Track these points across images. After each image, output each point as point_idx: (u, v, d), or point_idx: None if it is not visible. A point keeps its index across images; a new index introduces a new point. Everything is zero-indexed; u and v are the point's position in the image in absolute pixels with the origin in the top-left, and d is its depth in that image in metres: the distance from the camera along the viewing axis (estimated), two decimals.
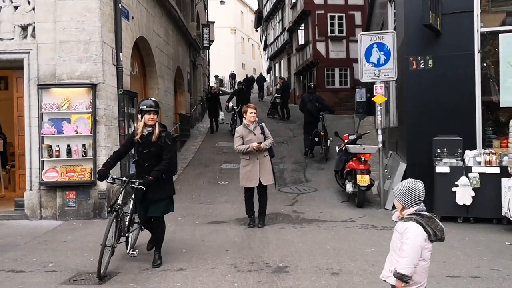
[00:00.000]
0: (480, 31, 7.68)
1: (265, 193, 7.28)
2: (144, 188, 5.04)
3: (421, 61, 7.90)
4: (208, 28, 25.10)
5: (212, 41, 30.42)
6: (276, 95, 23.04)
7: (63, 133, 7.97)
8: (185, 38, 17.17)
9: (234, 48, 51.84)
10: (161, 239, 5.48)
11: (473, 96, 7.66)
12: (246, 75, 36.89)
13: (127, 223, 5.26)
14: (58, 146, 7.97)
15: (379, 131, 8.42)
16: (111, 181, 5.33)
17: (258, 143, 6.96)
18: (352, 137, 9.29)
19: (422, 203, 2.87)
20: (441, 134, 7.52)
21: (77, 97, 8.03)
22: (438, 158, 7.41)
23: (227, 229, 7.04)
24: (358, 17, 24.89)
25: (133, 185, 5.15)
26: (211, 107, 17.90)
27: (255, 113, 7.14)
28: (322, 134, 12.40)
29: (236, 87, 19.37)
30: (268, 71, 42.33)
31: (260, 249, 5.87)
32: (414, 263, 2.78)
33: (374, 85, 8.32)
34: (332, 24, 24.95)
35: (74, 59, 8.07)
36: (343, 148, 9.07)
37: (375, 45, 8.23)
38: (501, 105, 7.69)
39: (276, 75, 36.67)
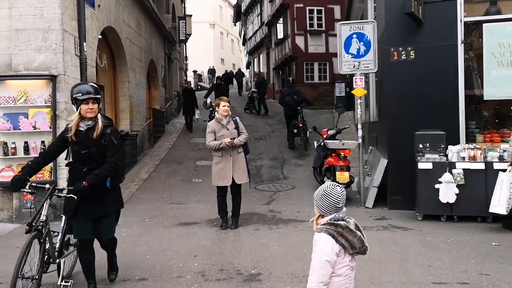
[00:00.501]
0: (463, 21, 7.33)
1: (239, 192, 6.83)
2: (75, 197, 3.81)
3: (403, 52, 7.53)
4: (184, 21, 24.43)
5: (189, 34, 29.78)
6: (253, 89, 22.70)
7: (20, 129, 7.35)
8: (159, 30, 16.54)
9: (213, 43, 51.17)
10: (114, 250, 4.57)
11: (456, 89, 7.32)
12: (226, 70, 36.33)
13: (57, 245, 4.15)
14: (14, 143, 7.36)
15: (359, 126, 8.03)
16: (30, 190, 3.93)
17: (231, 138, 6.50)
18: (331, 132, 8.90)
19: (342, 210, 2.53)
20: (423, 129, 7.17)
21: (35, 90, 7.42)
22: (420, 154, 7.06)
23: (198, 231, 6.55)
24: (337, 11, 24.57)
25: (60, 194, 3.94)
26: (185, 104, 16.77)
27: (228, 106, 6.66)
28: (301, 125, 12.59)
29: (215, 82, 18.05)
30: (248, 66, 41.82)
31: (231, 254, 5.41)
32: (322, 280, 2.42)
33: (354, 78, 7.92)
34: (311, 18, 24.60)
35: (32, 48, 7.44)
36: (322, 144, 8.67)
37: (354, 35, 7.82)
38: (484, 98, 7.37)
39: (255, 70, 36.21)
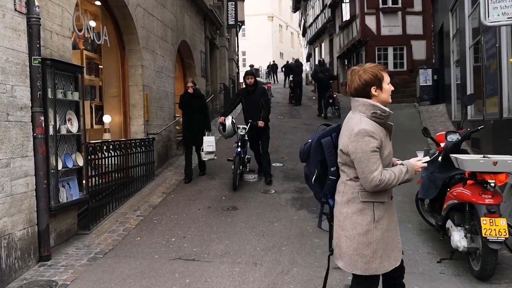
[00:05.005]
0: None
1: None
2: None
3: None
4: (234, 4, 21.20)
5: (242, 22, 26.54)
6: (290, 78, 21.77)
7: None
8: (196, 6, 13.25)
9: (272, 36, 48.50)
10: None
11: None
12: (287, 61, 32.47)
13: None
14: None
15: None
16: None
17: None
18: (452, 137, 5.07)
19: None
20: None
21: None
22: None
23: None
24: None
25: None
26: (186, 123, 8.67)
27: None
28: (335, 96, 15.26)
29: (244, 85, 8.49)
30: (308, 59, 37.97)
31: None
32: None
33: None
34: None
35: None
36: (439, 158, 4.87)
37: None
38: None
39: (316, 61, 32.30)
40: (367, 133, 2.63)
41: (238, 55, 26.63)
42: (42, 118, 4.98)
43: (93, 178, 6.29)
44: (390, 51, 20.70)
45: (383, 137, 2.70)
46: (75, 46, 8.15)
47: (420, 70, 15.82)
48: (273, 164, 8.67)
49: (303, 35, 41.55)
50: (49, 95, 5.15)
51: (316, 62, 31.76)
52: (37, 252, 4.88)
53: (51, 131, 5.14)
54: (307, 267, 4.65)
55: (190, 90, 8.53)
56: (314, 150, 2.95)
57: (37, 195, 4.91)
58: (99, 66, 8.69)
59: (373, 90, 2.74)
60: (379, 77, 2.74)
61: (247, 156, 8.36)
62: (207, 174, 8.84)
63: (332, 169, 2.86)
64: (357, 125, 2.68)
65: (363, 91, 2.74)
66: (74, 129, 5.71)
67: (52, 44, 5.43)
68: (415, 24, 20.24)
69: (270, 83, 30.20)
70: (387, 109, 2.73)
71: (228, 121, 8.13)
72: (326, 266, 4.63)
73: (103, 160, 6.62)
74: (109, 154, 6.77)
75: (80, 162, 5.74)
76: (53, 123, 5.18)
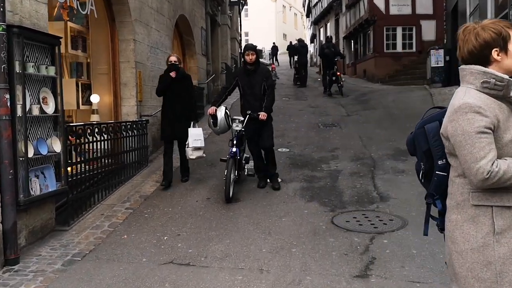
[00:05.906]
0: None
1: None
2: None
3: None
4: None
5: (245, 0, 25.58)
6: (295, 59, 21.72)
7: None
8: None
9: (275, 17, 47.60)
10: None
11: None
12: (290, 42, 31.42)
13: None
14: None
15: None
16: None
17: None
18: None
19: None
20: None
21: None
22: None
23: None
24: None
25: None
26: (168, 112, 6.95)
27: None
28: (339, 74, 15.19)
29: (243, 63, 6.70)
30: (312, 40, 36.92)
31: None
32: None
33: None
34: None
35: None
36: None
37: None
38: None
39: (322, 42, 31.31)
40: (471, 108, 1.87)
41: (240, 35, 25.67)
42: (8, 96, 4.19)
43: (75, 166, 5.54)
44: (399, 31, 19.79)
45: (501, 114, 1.90)
46: (58, 18, 7.34)
47: (431, 50, 14.92)
48: (278, 150, 7.87)
49: (307, 16, 40.45)
50: (17, 69, 4.34)
51: (322, 41, 30.92)
52: (2, 255, 4.14)
53: (19, 112, 4.34)
54: (323, 274, 3.90)
55: (173, 74, 6.65)
56: (417, 139, 2.23)
57: (1, 188, 4.15)
58: (87, 41, 7.86)
59: (494, 53, 1.96)
60: (504, 36, 1.96)
61: (245, 155, 6.71)
62: (207, 161, 8.05)
63: (439, 162, 2.12)
64: (459, 100, 1.92)
65: (480, 55, 1.99)
66: (49, 109, 4.91)
67: (22, 9, 4.60)
68: (425, 4, 19.31)
69: (273, 64, 29.33)
70: (505, 76, 1.94)
71: (221, 112, 6.30)
72: (344, 274, 3.92)
73: (87, 145, 5.84)
74: (95, 139, 5.99)
75: (57, 148, 4.94)
76: (21, 102, 4.37)
